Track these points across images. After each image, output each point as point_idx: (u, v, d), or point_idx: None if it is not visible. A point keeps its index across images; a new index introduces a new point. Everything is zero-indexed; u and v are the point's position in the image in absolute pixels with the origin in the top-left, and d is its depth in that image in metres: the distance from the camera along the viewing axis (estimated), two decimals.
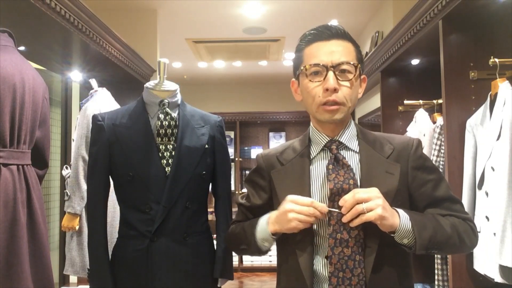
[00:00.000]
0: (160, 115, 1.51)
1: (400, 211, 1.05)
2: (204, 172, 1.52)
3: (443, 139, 2.16)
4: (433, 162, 2.31)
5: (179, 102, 1.59)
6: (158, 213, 1.45)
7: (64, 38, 2.29)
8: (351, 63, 1.10)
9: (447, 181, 1.19)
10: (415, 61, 2.72)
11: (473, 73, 1.97)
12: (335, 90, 1.07)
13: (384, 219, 1.00)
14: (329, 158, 1.13)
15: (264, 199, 1.23)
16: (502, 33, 1.95)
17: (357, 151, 1.15)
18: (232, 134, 6.12)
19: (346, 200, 1.02)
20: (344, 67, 1.09)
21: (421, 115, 2.61)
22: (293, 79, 1.20)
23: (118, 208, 1.58)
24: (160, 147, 1.50)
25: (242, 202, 1.29)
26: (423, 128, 2.54)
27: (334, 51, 1.10)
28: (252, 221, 1.20)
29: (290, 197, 1.08)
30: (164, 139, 1.51)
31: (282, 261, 1.20)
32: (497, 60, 1.80)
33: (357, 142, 1.16)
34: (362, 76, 1.17)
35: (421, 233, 1.03)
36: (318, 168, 1.15)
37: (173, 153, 1.50)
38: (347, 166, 1.10)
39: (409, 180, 1.13)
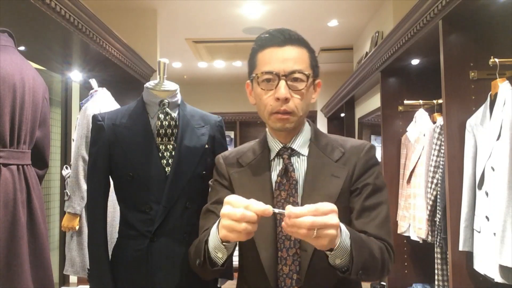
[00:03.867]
0: (160, 115, 1.51)
1: (342, 227, 0.91)
2: (204, 172, 1.52)
3: (443, 139, 2.16)
4: (433, 162, 2.31)
5: (179, 102, 1.59)
6: (158, 213, 1.45)
7: (64, 38, 2.30)
8: (304, 72, 1.08)
9: (387, 191, 1.15)
10: (415, 61, 2.72)
11: (473, 73, 1.97)
12: (286, 100, 1.06)
13: (327, 247, 0.88)
14: (280, 167, 1.13)
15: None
16: (502, 33, 1.95)
17: (308, 156, 1.15)
18: (232, 134, 6.13)
19: (299, 217, 0.83)
20: (297, 75, 1.08)
21: (421, 115, 2.61)
22: (248, 81, 1.20)
23: (118, 208, 1.58)
24: (160, 147, 1.50)
25: (211, 208, 1.18)
26: (423, 128, 2.54)
27: (287, 59, 1.08)
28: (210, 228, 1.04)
29: (228, 198, 0.90)
30: (164, 139, 1.51)
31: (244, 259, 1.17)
32: (497, 60, 1.80)
33: (309, 147, 1.16)
34: (317, 81, 1.15)
35: (358, 255, 0.91)
36: (274, 174, 1.15)
37: (173, 153, 1.50)
38: (293, 179, 1.10)
39: (352, 181, 1.11)
